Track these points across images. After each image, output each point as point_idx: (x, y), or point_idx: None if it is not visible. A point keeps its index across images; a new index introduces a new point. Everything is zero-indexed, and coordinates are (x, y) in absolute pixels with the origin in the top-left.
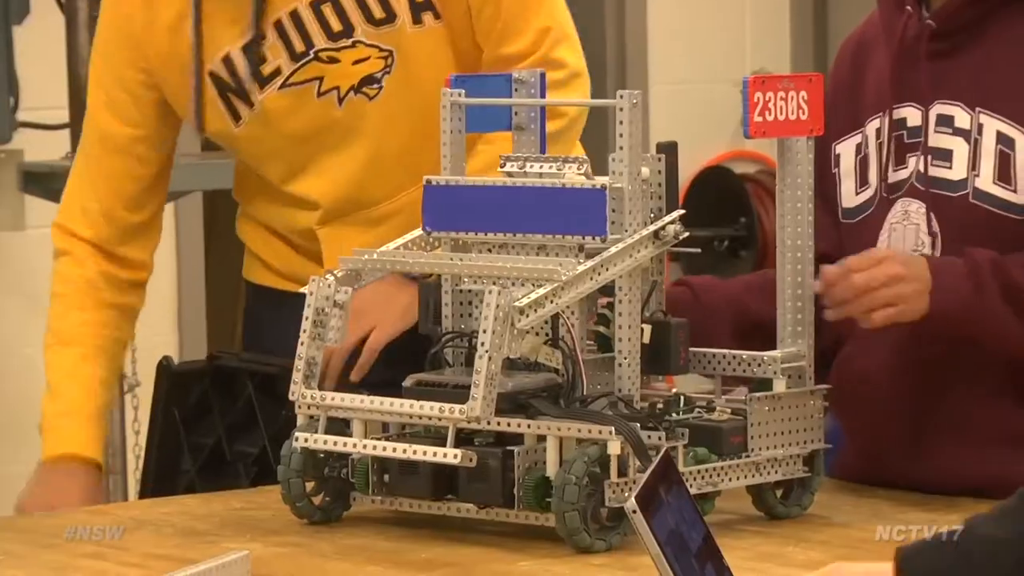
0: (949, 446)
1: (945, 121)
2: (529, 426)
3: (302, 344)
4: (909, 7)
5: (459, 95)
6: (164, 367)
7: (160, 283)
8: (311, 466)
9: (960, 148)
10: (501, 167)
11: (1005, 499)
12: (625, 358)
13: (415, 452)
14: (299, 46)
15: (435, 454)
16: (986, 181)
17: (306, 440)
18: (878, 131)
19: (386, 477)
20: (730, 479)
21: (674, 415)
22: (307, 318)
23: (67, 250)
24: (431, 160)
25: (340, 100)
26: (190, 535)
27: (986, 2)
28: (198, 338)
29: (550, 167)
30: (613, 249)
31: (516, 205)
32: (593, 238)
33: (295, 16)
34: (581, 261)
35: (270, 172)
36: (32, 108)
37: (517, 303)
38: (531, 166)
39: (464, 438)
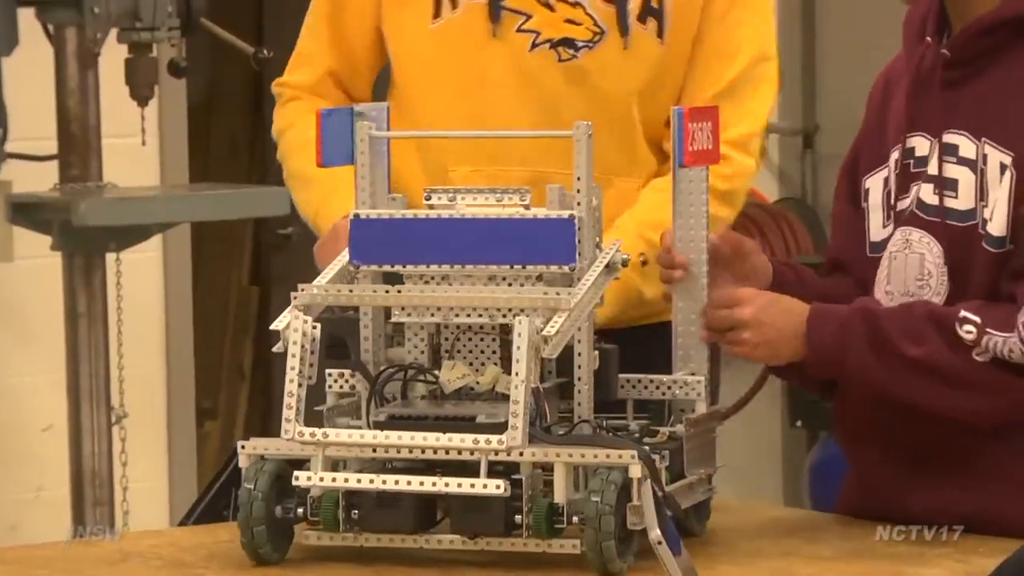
0: (947, 482)
1: (951, 150)
2: (559, 455)
3: (291, 382)
4: (929, 38)
5: (372, 128)
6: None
7: (148, 314)
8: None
9: (966, 177)
10: (426, 199)
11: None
12: (585, 384)
13: (448, 484)
14: None
15: (473, 485)
16: (988, 212)
17: (308, 479)
18: (896, 162)
19: (355, 513)
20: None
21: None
22: (294, 356)
23: (295, 96)
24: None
25: (534, 45)
26: (177, 567)
27: (999, 33)
28: (185, 370)
29: (487, 198)
30: (588, 276)
31: (463, 237)
32: (560, 267)
33: None
34: (550, 290)
35: (425, 99)
36: (21, 139)
37: (544, 332)
38: (462, 198)
39: (387, 468)
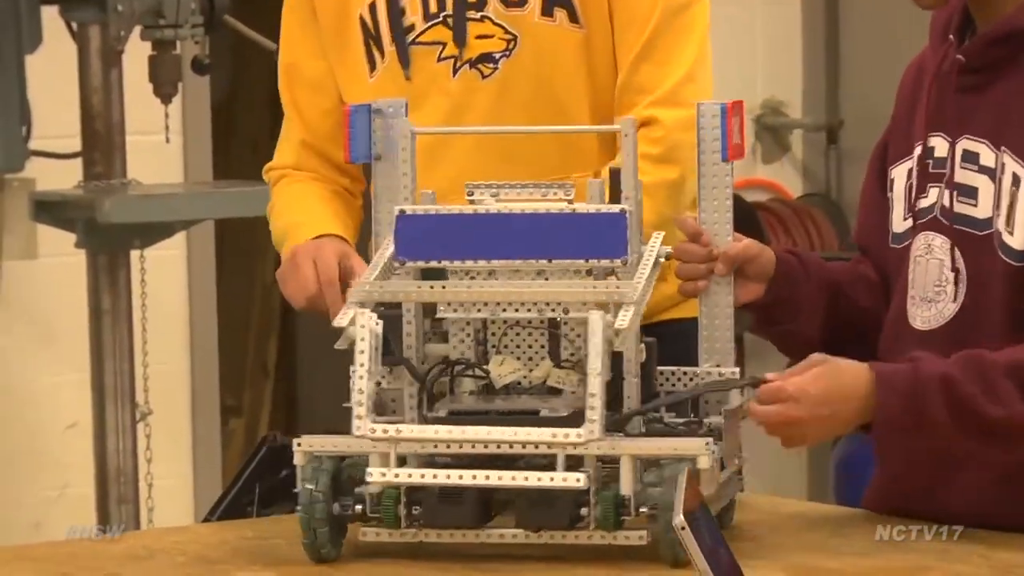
0: (975, 480)
1: (971, 158)
2: (627, 447)
3: (361, 378)
4: (952, 36)
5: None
6: (266, 439)
7: (172, 312)
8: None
9: (985, 186)
10: (468, 195)
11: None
12: (634, 377)
13: (528, 479)
14: (433, 6)
15: (553, 479)
16: (1002, 222)
17: (383, 475)
18: (919, 158)
19: (415, 509)
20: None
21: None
22: (363, 352)
23: (281, 175)
24: (530, 158)
25: (455, 70)
26: (202, 563)
27: (1013, 42)
28: (210, 367)
29: (531, 193)
30: (642, 269)
31: (511, 232)
32: (611, 260)
33: None
34: (611, 284)
35: None
36: (44, 137)
37: (616, 326)
38: (505, 192)
39: (443, 464)
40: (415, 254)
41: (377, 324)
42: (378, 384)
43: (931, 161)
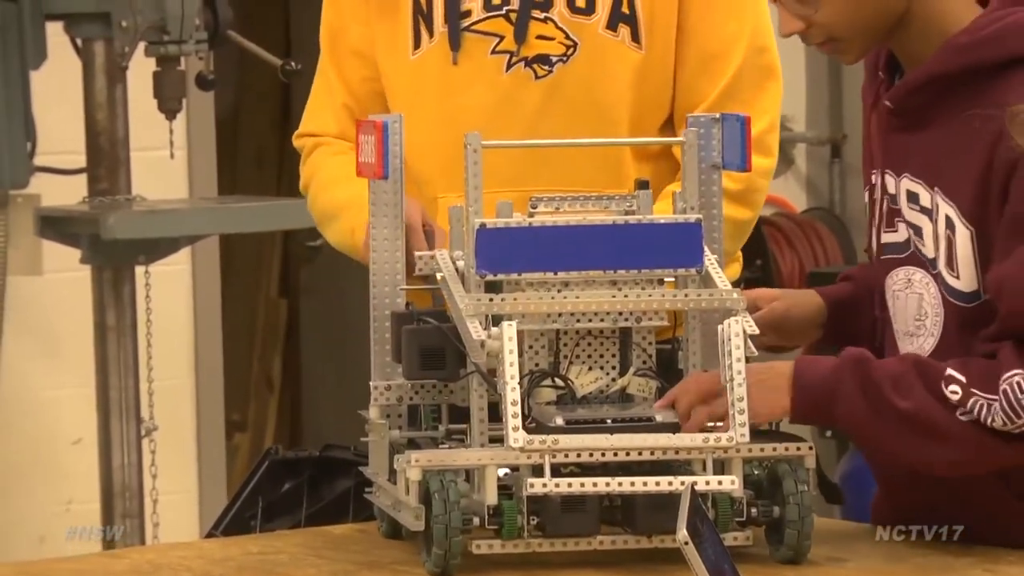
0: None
1: (913, 198)
2: (739, 450)
3: (513, 390)
4: (881, 72)
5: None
6: (268, 453)
7: (177, 327)
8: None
9: (927, 227)
10: (532, 208)
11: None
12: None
13: (671, 484)
14: None
15: (708, 483)
16: (943, 264)
17: (544, 485)
18: (879, 191)
19: (533, 519)
20: None
21: None
22: (512, 364)
23: (318, 144)
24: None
25: (508, 65)
26: None
27: (933, 88)
28: (214, 382)
29: (593, 205)
30: (718, 277)
31: (588, 243)
32: (687, 269)
33: None
34: (715, 292)
35: (409, 132)
36: (49, 153)
37: (749, 332)
38: (569, 205)
39: (567, 472)
40: (496, 267)
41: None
42: (410, 400)
43: (888, 198)
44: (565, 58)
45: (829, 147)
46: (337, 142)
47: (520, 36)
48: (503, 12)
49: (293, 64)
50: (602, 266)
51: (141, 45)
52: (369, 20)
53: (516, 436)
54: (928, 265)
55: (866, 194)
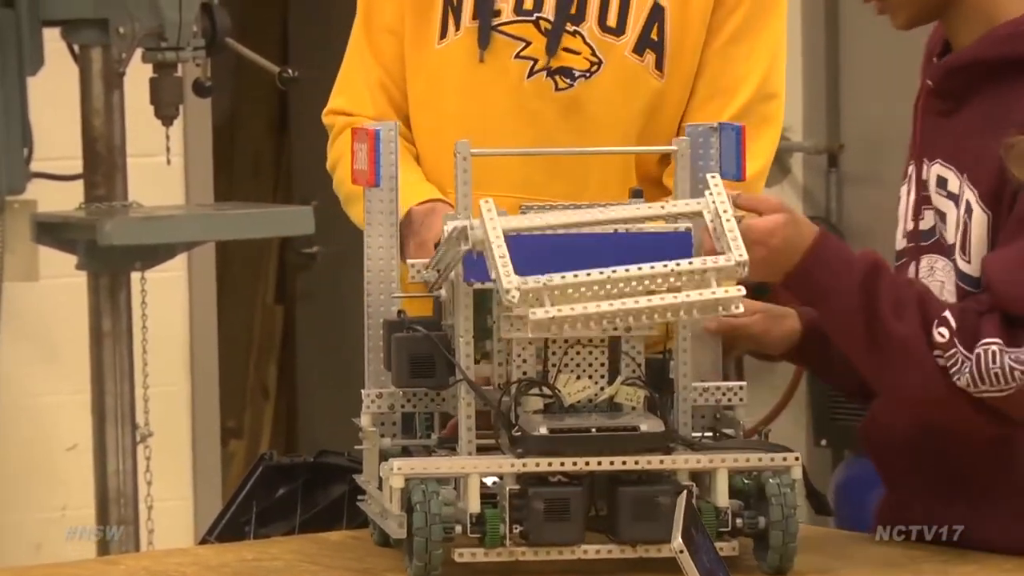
0: (977, 502)
1: (942, 183)
2: (724, 460)
3: (500, 248)
4: (935, 58)
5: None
6: (263, 458)
7: (173, 334)
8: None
9: (951, 213)
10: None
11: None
12: (690, 393)
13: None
14: (528, 4)
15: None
16: (958, 249)
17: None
18: (915, 180)
19: (517, 528)
20: None
21: None
22: (495, 237)
23: (349, 123)
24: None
25: (530, 72)
26: None
27: (973, 73)
28: (210, 389)
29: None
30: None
31: (598, 250)
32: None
33: None
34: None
35: (426, 120)
36: (46, 159)
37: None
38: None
39: (555, 482)
40: (485, 276)
41: None
42: (402, 408)
43: (919, 185)
44: (588, 74)
45: (826, 156)
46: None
47: (552, 48)
48: (533, 19)
49: (290, 71)
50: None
51: (138, 51)
52: (401, 1)
53: (508, 281)
54: (949, 252)
55: (903, 188)
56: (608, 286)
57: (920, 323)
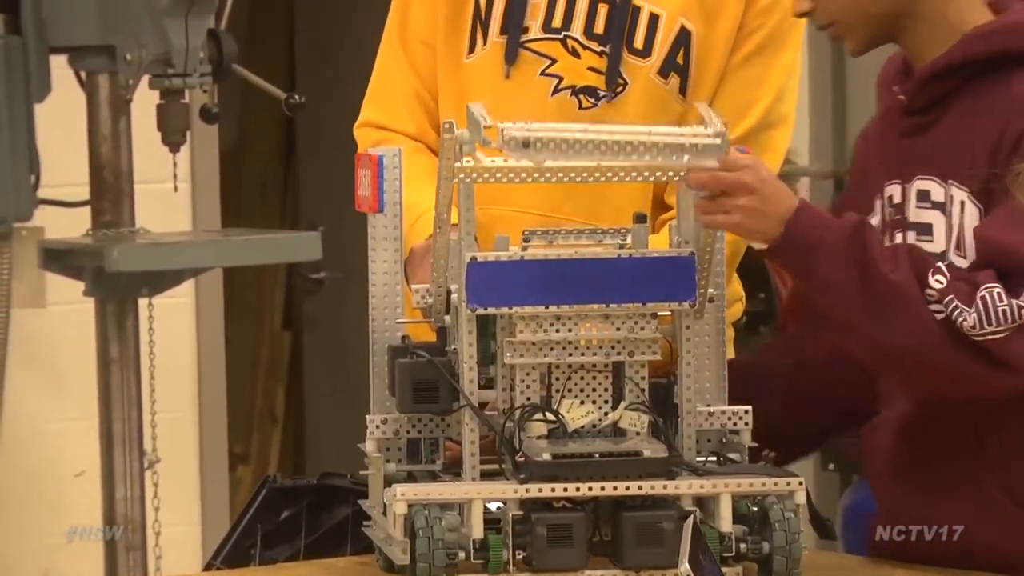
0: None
1: (924, 196)
2: (727, 485)
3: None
4: (896, 87)
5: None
6: (267, 481)
7: (180, 359)
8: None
9: (938, 222)
10: (525, 241)
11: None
12: (695, 418)
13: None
14: (556, 22)
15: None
16: (952, 248)
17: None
18: (882, 207)
19: (520, 554)
20: None
21: None
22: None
23: (384, 139)
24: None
25: (555, 90)
26: None
27: (950, 78)
28: (218, 414)
29: (588, 239)
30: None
31: (582, 277)
32: (680, 303)
33: None
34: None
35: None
36: (53, 185)
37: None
38: (563, 239)
39: (559, 507)
40: (487, 301)
41: None
42: (407, 433)
43: (892, 209)
44: (613, 95)
45: (832, 181)
46: (402, 140)
47: (611, 83)
48: (560, 36)
49: (297, 97)
50: (595, 300)
51: (145, 78)
52: (435, 12)
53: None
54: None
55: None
56: (590, 147)
57: (914, 272)
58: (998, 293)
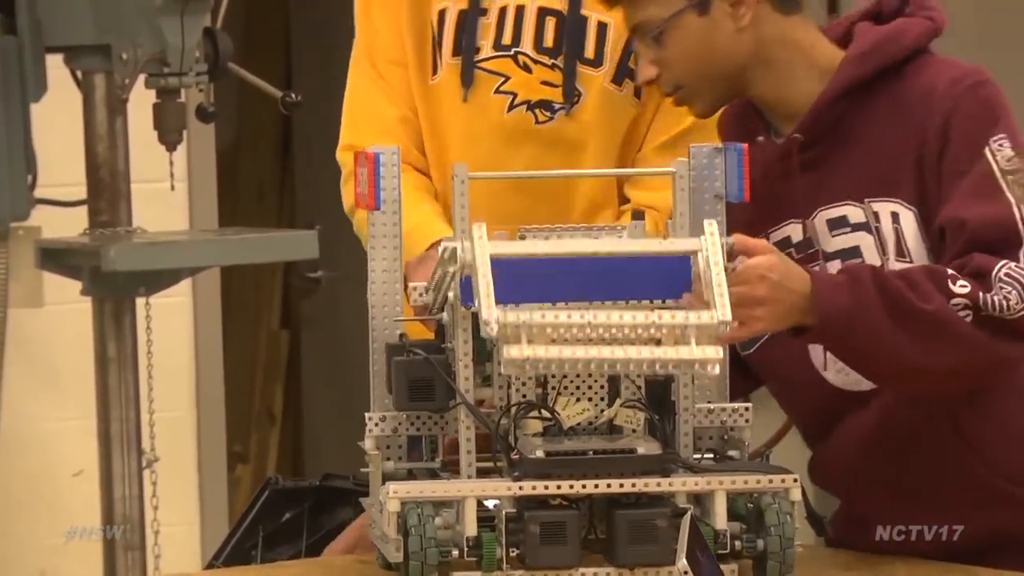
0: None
1: (839, 223)
2: (722, 482)
3: (485, 277)
4: (761, 138)
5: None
6: (269, 482)
7: (178, 359)
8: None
9: (866, 241)
10: (521, 239)
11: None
12: (692, 415)
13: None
14: (506, 39)
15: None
16: (893, 262)
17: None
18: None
19: (513, 551)
20: None
21: None
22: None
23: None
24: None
25: (511, 106)
26: None
27: (842, 103)
28: (216, 414)
29: (583, 236)
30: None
31: (592, 274)
32: (675, 301)
33: (519, 11)
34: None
35: (433, 159)
36: (50, 185)
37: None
38: (558, 236)
39: (555, 505)
40: (502, 297)
41: None
42: (405, 431)
43: (792, 248)
44: (568, 107)
45: None
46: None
47: (569, 95)
48: (511, 53)
49: (294, 96)
50: (592, 297)
51: (141, 77)
52: (400, 33)
53: (489, 313)
54: None
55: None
56: (588, 330)
57: (941, 295)
58: (1013, 266)
